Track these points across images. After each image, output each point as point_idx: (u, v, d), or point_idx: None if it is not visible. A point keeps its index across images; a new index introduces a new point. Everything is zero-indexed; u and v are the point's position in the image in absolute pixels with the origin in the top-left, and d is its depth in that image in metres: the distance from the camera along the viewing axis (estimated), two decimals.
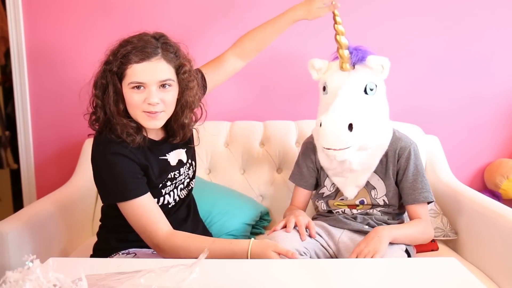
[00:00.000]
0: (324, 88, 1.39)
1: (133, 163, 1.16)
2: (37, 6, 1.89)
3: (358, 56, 1.34)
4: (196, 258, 0.77)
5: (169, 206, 1.27)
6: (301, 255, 1.23)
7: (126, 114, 1.17)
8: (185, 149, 1.30)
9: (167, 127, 1.27)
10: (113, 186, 1.16)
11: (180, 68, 1.19)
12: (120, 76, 1.13)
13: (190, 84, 1.22)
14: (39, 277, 0.64)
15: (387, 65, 1.33)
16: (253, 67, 1.92)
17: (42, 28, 1.90)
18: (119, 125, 1.14)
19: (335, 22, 1.37)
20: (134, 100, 1.13)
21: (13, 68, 1.92)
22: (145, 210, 1.15)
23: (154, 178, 1.20)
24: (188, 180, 1.33)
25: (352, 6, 1.82)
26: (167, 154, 1.25)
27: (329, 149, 1.30)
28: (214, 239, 1.18)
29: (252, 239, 1.11)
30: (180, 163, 1.28)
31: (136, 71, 1.12)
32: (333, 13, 1.39)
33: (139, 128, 1.19)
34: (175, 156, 1.27)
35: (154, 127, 1.18)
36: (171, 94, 1.17)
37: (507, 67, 1.91)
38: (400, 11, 1.87)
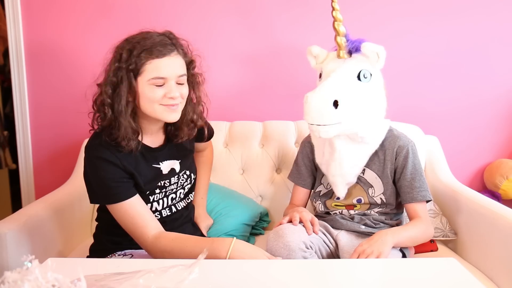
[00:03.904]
0: (320, 75, 1.39)
1: (118, 169, 1.16)
2: (36, 5, 1.88)
3: (354, 44, 1.34)
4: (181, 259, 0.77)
5: (163, 215, 1.27)
6: (308, 248, 1.24)
7: (132, 114, 1.17)
8: (180, 161, 1.30)
9: (168, 128, 1.28)
10: (98, 189, 1.17)
11: (190, 64, 1.22)
12: (136, 73, 1.13)
13: (198, 79, 1.25)
14: (38, 277, 0.63)
15: (383, 54, 1.32)
16: (253, 67, 1.92)
17: (41, 27, 1.90)
18: (123, 126, 1.14)
19: (333, 9, 1.38)
20: (155, 95, 1.14)
21: (11, 68, 1.92)
22: (131, 214, 1.16)
23: (142, 184, 1.20)
24: (182, 191, 1.32)
25: (352, 6, 1.82)
26: (160, 163, 1.25)
27: (312, 124, 1.29)
28: (197, 241, 1.16)
29: (234, 238, 1.11)
30: (172, 172, 1.28)
31: (158, 66, 1.13)
32: None
33: (138, 132, 1.19)
34: (168, 165, 1.27)
35: (173, 119, 1.19)
36: (186, 88, 1.20)
37: (507, 67, 1.91)
38: (400, 11, 1.87)
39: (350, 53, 1.36)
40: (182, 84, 1.18)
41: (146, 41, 1.14)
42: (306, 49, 1.45)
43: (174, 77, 1.15)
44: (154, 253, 1.15)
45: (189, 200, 1.38)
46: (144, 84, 1.14)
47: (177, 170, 1.29)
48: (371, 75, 1.33)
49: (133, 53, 1.12)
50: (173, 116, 1.18)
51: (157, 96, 1.14)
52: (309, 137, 1.49)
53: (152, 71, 1.13)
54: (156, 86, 1.14)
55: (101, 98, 1.16)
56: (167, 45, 1.15)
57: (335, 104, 1.25)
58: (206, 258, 0.78)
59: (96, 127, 1.19)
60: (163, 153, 1.26)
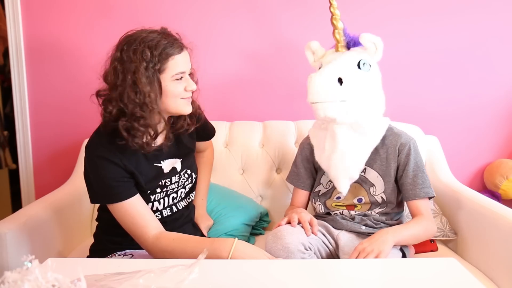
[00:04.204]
0: (319, 69, 1.40)
1: (119, 168, 1.15)
2: (36, 5, 1.88)
3: (352, 38, 1.37)
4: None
5: (164, 215, 1.27)
6: (306, 250, 1.24)
7: None
8: (181, 159, 1.30)
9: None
10: (99, 188, 1.17)
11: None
12: (161, 71, 1.15)
13: (192, 70, 1.27)
14: (38, 277, 0.63)
15: (380, 44, 1.34)
16: (253, 67, 1.92)
17: (41, 27, 1.90)
18: (157, 125, 1.17)
19: (330, 5, 1.40)
20: (178, 90, 1.17)
21: (11, 68, 1.92)
22: (132, 213, 1.16)
23: (143, 183, 1.20)
24: (183, 190, 1.32)
25: (352, 6, 1.82)
26: (162, 161, 1.25)
27: (316, 102, 1.29)
28: (199, 241, 1.16)
29: (236, 239, 1.11)
30: (173, 171, 1.28)
31: (179, 62, 1.16)
32: None
33: (165, 127, 1.22)
34: (169, 163, 1.27)
35: (190, 111, 1.23)
36: None
37: (507, 67, 1.91)
38: (400, 11, 1.87)
39: (348, 48, 1.39)
40: (190, 76, 1.23)
41: (161, 39, 1.15)
42: (305, 45, 1.46)
43: (188, 70, 1.20)
44: (154, 253, 1.15)
45: (190, 199, 1.37)
46: (168, 81, 1.16)
47: (178, 169, 1.29)
48: (370, 66, 1.35)
49: (154, 53, 1.13)
50: (190, 108, 1.23)
51: (179, 91, 1.18)
52: (308, 138, 1.49)
53: (174, 67, 1.15)
54: (178, 81, 1.17)
55: (138, 99, 1.12)
56: (176, 40, 1.18)
57: (340, 81, 1.27)
58: (207, 258, 0.78)
59: (138, 128, 1.13)
60: (164, 151, 1.26)
